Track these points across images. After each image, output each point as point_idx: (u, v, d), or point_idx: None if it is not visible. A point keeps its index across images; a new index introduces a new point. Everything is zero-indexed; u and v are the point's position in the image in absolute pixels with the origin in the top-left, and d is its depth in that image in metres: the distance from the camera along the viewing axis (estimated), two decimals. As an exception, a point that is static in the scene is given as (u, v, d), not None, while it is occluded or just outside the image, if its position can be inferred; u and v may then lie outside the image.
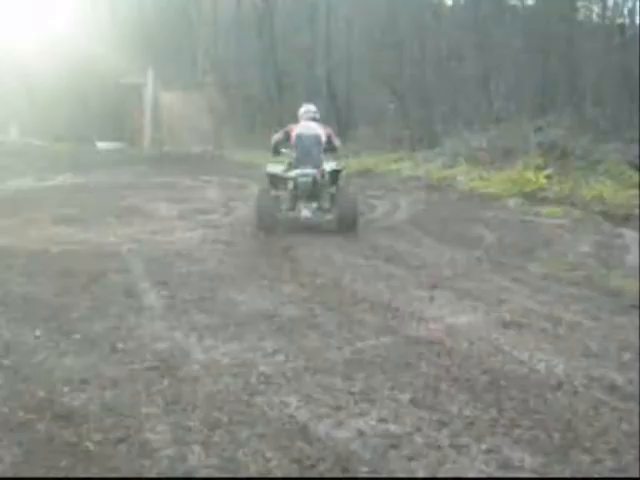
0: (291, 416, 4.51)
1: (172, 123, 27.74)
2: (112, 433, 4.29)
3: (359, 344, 5.86)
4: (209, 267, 8.65)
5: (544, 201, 13.39)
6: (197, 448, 4.11)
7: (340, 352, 5.67)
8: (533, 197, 13.72)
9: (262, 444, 4.15)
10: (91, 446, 4.15)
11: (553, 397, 4.83)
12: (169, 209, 13.43)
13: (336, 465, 3.91)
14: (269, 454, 4.04)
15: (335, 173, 11.33)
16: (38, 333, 6.16)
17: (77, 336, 6.09)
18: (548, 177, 14.76)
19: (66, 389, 4.97)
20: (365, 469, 3.88)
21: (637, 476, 3.77)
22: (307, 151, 11.33)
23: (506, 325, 6.37)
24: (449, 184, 15.70)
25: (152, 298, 7.28)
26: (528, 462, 3.96)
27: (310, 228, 10.93)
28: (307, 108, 12.16)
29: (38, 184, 18.20)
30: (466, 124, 20.89)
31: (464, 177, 16.02)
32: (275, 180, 11.46)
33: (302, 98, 26.17)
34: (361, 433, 4.29)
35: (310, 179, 11.00)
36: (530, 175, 14.80)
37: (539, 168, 15.38)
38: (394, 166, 18.72)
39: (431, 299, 7.21)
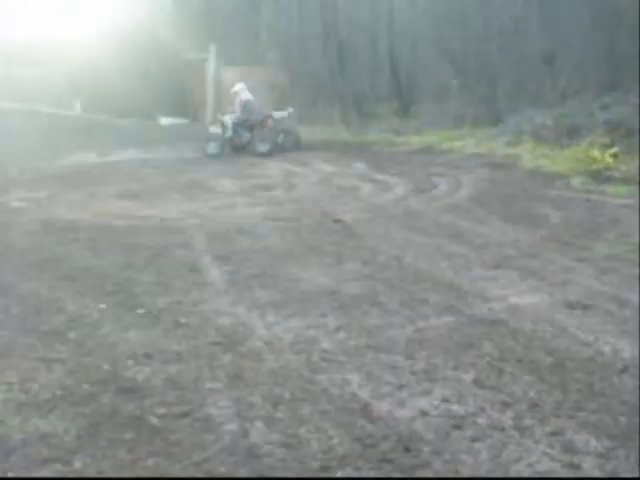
0: (353, 394, 4.49)
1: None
2: (175, 407, 4.33)
3: (421, 323, 5.81)
4: (271, 243, 8.66)
5: (610, 180, 13.13)
6: (259, 424, 4.11)
7: (402, 330, 5.63)
8: (599, 176, 13.45)
9: (324, 421, 4.15)
10: (154, 420, 4.18)
11: (619, 380, 4.74)
12: (231, 185, 13.47)
13: (398, 444, 3.89)
14: (331, 432, 4.03)
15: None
16: (102, 307, 6.24)
17: (141, 310, 6.15)
18: (614, 156, 14.45)
19: (130, 363, 5.02)
20: (427, 449, 3.85)
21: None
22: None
23: (571, 306, 6.25)
24: (513, 162, 15.47)
25: (215, 273, 7.32)
26: (593, 445, 3.89)
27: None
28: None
29: (102, 159, 18.41)
30: (530, 101, 20.56)
31: (528, 155, 15.78)
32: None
33: (364, 73, 26.17)
34: (423, 413, 4.26)
35: None
36: (596, 153, 14.49)
37: (605, 146, 15.06)
38: (457, 143, 18.50)
39: (494, 278, 7.12)
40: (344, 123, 23.91)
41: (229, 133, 17.94)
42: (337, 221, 9.78)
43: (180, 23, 29.67)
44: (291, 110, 19.03)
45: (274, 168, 15.76)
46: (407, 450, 3.84)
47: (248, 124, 18.01)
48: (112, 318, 5.97)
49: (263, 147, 18.05)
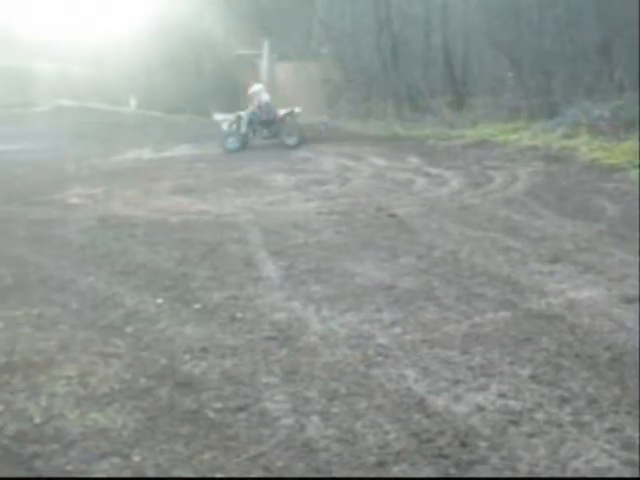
0: (409, 389, 4.48)
1: (287, 94, 27.81)
2: (232, 401, 4.36)
3: (477, 318, 5.77)
4: (325, 238, 8.65)
5: (669, 173, 12.90)
6: (315, 418, 4.12)
7: (458, 325, 5.60)
8: (657, 168, 13.23)
9: (380, 416, 4.14)
10: (211, 414, 4.22)
11: (680, 377, 4.66)
12: (285, 180, 13.49)
13: (455, 440, 3.87)
14: (387, 427, 4.02)
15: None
16: (159, 301, 6.30)
17: (197, 305, 6.20)
18: (673, 148, 14.18)
19: (187, 357, 5.06)
20: (484, 445, 3.82)
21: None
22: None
23: (629, 300, 6.14)
24: (569, 155, 15.25)
25: (270, 268, 7.34)
26: (652, 442, 3.84)
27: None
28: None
29: (156, 155, 18.58)
30: (587, 93, 20.27)
31: (585, 147, 15.55)
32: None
33: (418, 67, 26.03)
34: (480, 408, 4.23)
35: None
36: (654, 146, 14.24)
37: (664, 139, 14.80)
38: (512, 136, 18.29)
39: (552, 273, 7.03)
40: (398, 117, 23.81)
41: (244, 129, 19.30)
42: (391, 215, 9.75)
43: (233, 19, 29.82)
44: (296, 109, 20.04)
45: (327, 163, 15.75)
46: (464, 445, 3.82)
47: (266, 121, 19.46)
48: (169, 313, 6.03)
49: (291, 140, 19.44)
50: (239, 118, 19.44)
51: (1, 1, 32.54)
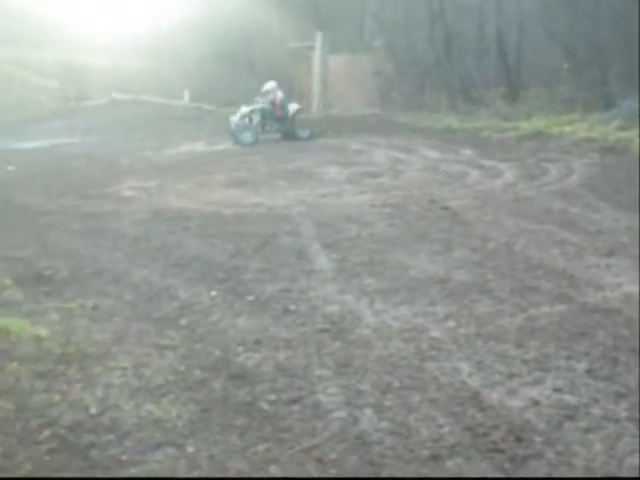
0: (463, 382, 4.45)
1: (340, 86, 27.78)
2: (285, 394, 4.36)
3: (532, 311, 5.71)
4: (378, 230, 8.63)
5: None
6: (369, 411, 4.12)
7: (513, 319, 5.55)
8: None
9: (434, 410, 4.12)
10: (265, 406, 4.23)
11: None
12: (338, 172, 13.48)
13: (509, 434, 3.83)
14: (441, 420, 4.00)
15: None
16: (213, 294, 6.34)
17: (250, 297, 6.23)
18: None
19: (240, 349, 5.08)
20: (539, 439, 3.78)
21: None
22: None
23: (689, 295, 6.05)
24: (625, 147, 15.03)
25: (322, 261, 7.34)
26: None
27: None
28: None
29: (209, 148, 18.70)
30: (643, 84, 19.94)
31: (641, 139, 15.32)
32: None
33: (472, 59, 25.80)
34: (535, 402, 4.18)
35: None
36: None
37: None
38: (567, 128, 18.06)
39: (608, 266, 6.93)
40: (451, 109, 23.66)
41: (257, 123, 19.92)
42: (445, 208, 9.69)
43: (286, 11, 29.85)
44: (295, 106, 21.12)
45: (380, 155, 15.71)
46: (519, 440, 3.78)
47: (280, 117, 20.31)
48: (222, 305, 6.06)
49: (304, 133, 20.58)
50: (252, 112, 19.90)
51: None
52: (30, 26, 34.06)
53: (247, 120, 19.76)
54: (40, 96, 25.13)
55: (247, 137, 19.31)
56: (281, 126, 20.42)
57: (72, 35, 33.46)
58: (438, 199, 10.31)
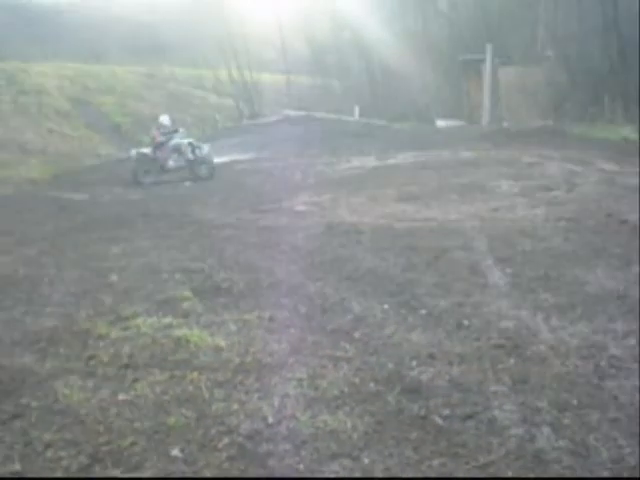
0: (646, 402, 4.30)
1: (510, 98, 27.45)
2: (460, 409, 4.34)
3: None
4: (554, 245, 8.44)
5: None
6: (546, 429, 4.03)
7: (697, 337, 5.32)
8: None
9: (614, 430, 4.00)
10: (439, 420, 4.21)
11: None
12: (510, 186, 13.26)
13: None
14: (621, 441, 3.88)
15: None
16: (386, 307, 6.37)
17: (423, 311, 6.22)
18: None
19: (414, 363, 5.09)
20: None
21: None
22: None
23: None
24: None
25: (496, 275, 7.25)
26: None
27: None
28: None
29: (380, 163, 18.78)
30: None
31: None
32: None
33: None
34: None
35: None
36: None
37: None
38: None
39: None
40: (627, 120, 22.89)
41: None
42: (623, 222, 9.38)
43: (456, 23, 29.73)
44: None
45: (553, 168, 15.37)
46: None
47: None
48: (395, 318, 6.08)
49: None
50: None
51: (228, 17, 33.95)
52: (205, 46, 35.35)
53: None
54: (216, 114, 26.01)
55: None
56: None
57: (244, 54, 34.48)
58: (615, 212, 9.99)
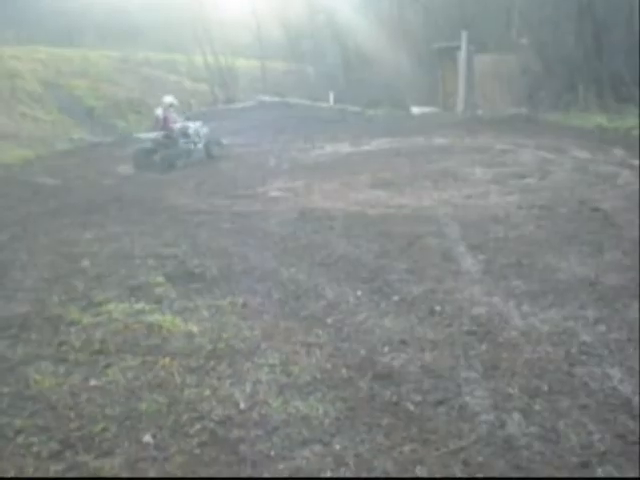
0: (614, 389, 4.35)
1: (485, 86, 27.44)
2: (431, 395, 4.37)
3: (690, 317, 5.51)
4: (526, 232, 8.48)
5: None
6: (517, 415, 4.07)
7: (665, 324, 5.37)
8: None
9: (584, 416, 4.04)
10: (411, 407, 4.24)
11: None
12: (483, 173, 13.29)
13: (664, 444, 3.72)
14: (591, 427, 3.92)
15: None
16: (359, 293, 6.38)
17: (396, 297, 6.25)
18: None
19: (386, 349, 5.11)
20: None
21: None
22: None
23: None
24: None
25: (469, 262, 7.29)
26: None
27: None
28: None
29: (354, 149, 18.75)
30: None
31: None
32: None
33: (622, 55, 24.97)
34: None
35: None
36: None
37: None
38: None
39: None
40: (601, 108, 22.98)
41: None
42: (595, 209, 9.43)
43: (430, 11, 29.71)
44: None
45: (527, 155, 15.41)
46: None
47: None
48: (368, 305, 6.11)
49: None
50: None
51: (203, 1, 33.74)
52: (180, 31, 35.13)
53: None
54: (190, 99, 25.83)
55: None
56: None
57: (219, 39, 34.30)
58: (588, 200, 10.05)
